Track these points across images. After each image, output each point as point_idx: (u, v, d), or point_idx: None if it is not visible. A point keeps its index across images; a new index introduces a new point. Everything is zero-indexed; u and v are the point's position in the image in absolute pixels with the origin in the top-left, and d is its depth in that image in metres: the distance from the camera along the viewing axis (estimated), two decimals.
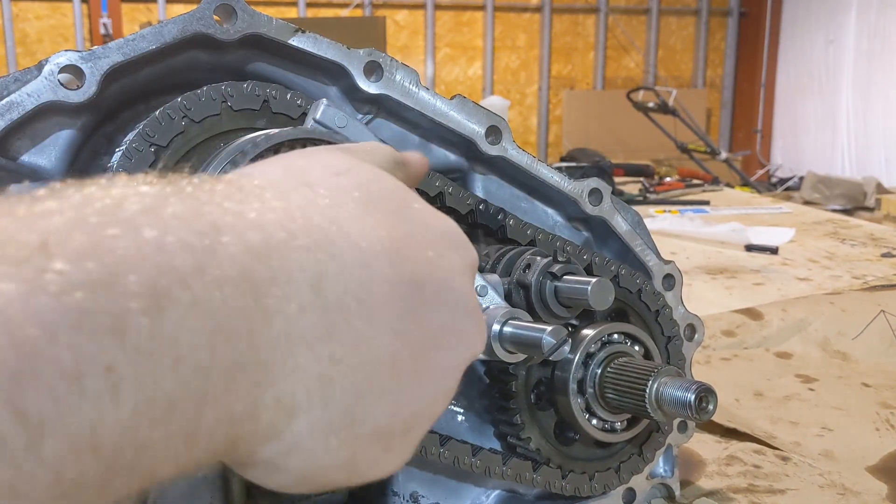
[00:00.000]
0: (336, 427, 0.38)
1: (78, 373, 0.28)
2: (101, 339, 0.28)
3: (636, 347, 0.89)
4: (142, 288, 0.30)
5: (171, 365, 0.30)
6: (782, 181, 7.12)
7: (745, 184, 5.99)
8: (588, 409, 0.87)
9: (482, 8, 8.58)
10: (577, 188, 0.91)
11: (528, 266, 0.80)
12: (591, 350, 0.86)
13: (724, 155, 5.95)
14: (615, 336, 0.88)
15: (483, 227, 0.86)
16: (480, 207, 0.85)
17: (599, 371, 0.86)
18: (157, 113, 0.71)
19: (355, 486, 0.43)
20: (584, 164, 4.74)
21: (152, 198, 0.33)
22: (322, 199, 0.40)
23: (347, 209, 0.41)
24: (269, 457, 0.37)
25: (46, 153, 0.72)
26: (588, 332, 0.86)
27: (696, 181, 4.73)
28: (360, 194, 0.43)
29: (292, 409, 0.36)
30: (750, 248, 2.67)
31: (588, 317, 0.87)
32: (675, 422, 0.99)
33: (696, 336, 0.99)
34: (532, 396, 0.88)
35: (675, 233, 2.88)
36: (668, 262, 0.97)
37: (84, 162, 0.76)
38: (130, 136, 0.71)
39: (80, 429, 0.28)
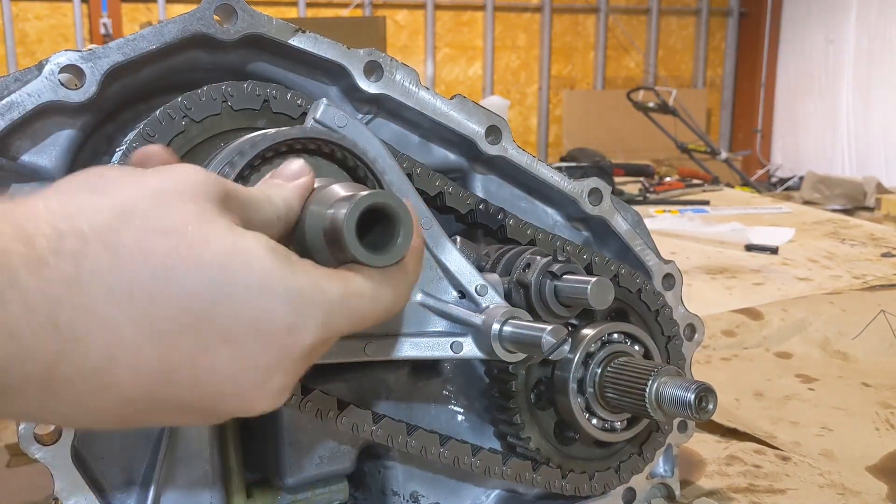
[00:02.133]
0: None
1: None
2: None
3: (636, 347, 0.89)
4: None
5: None
6: (782, 181, 7.11)
7: (745, 184, 5.99)
8: (588, 409, 0.87)
9: (482, 8, 8.57)
10: (577, 188, 0.91)
11: (528, 265, 0.81)
12: (591, 349, 0.86)
13: (724, 155, 5.94)
14: (615, 335, 0.88)
15: (483, 226, 0.86)
16: (480, 207, 0.85)
17: (599, 370, 0.86)
18: (157, 112, 0.71)
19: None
20: (584, 164, 4.74)
21: None
22: (97, 290, 0.41)
23: (123, 319, 0.42)
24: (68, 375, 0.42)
25: (47, 153, 0.72)
26: (588, 332, 0.86)
27: (696, 181, 4.73)
28: (154, 289, 0.42)
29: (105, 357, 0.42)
30: (750, 248, 2.67)
31: (588, 316, 0.87)
32: (675, 421, 0.99)
33: (696, 336, 0.99)
34: (532, 396, 0.88)
35: (675, 233, 2.88)
36: (667, 262, 0.97)
37: (84, 162, 0.76)
38: (131, 135, 0.71)
39: None
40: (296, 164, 0.56)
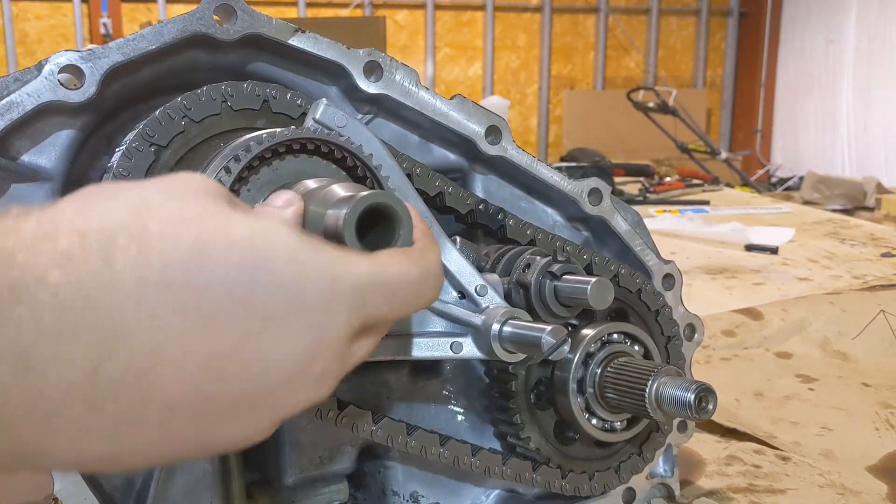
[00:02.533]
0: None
1: None
2: None
3: (636, 347, 0.89)
4: None
5: None
6: (782, 181, 7.12)
7: (745, 184, 5.99)
8: (588, 409, 0.87)
9: (482, 8, 8.57)
10: (577, 188, 0.91)
11: (528, 266, 0.81)
12: (591, 350, 0.86)
13: (724, 155, 5.94)
14: (615, 336, 0.88)
15: (483, 226, 0.86)
16: (480, 207, 0.85)
17: (599, 371, 0.86)
18: (157, 113, 0.71)
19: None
20: (584, 164, 4.74)
21: None
22: (133, 272, 0.40)
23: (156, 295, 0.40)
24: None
25: (46, 153, 0.72)
26: (588, 332, 0.86)
27: (696, 181, 4.73)
28: (183, 274, 0.41)
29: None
30: (750, 247, 2.67)
31: (588, 316, 0.87)
32: (675, 421, 0.99)
33: (696, 336, 0.99)
34: (532, 396, 0.88)
35: (675, 233, 2.88)
36: (667, 262, 0.97)
37: (84, 162, 0.76)
38: (130, 135, 0.71)
39: None
40: (285, 196, 0.56)
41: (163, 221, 0.41)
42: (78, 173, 0.75)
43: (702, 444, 1.20)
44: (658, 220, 3.17)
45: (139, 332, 0.39)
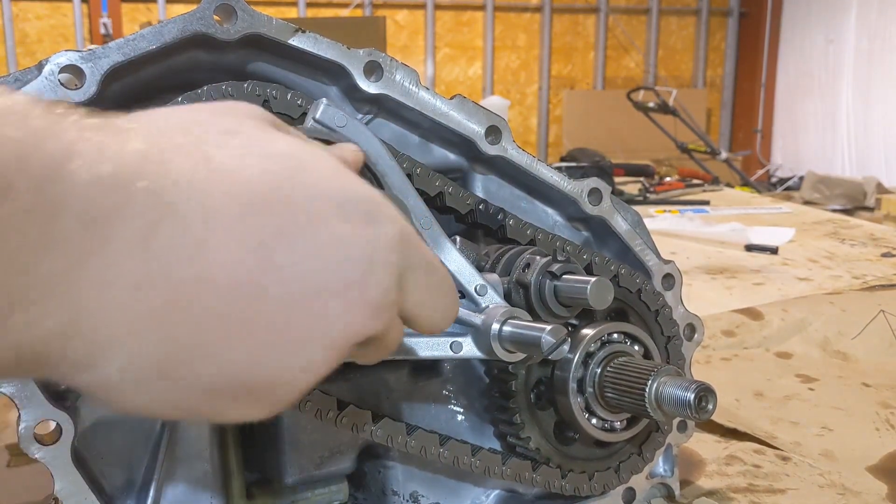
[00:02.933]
0: (149, 377, 0.39)
1: None
2: None
3: (636, 347, 0.89)
4: None
5: None
6: (782, 181, 7.12)
7: (745, 184, 5.99)
8: (588, 409, 0.87)
9: (482, 8, 8.57)
10: (577, 188, 0.91)
11: (528, 265, 0.81)
12: (591, 349, 0.86)
13: (724, 155, 5.95)
14: (615, 335, 0.88)
15: (483, 226, 0.86)
16: (480, 207, 0.85)
17: (599, 370, 0.86)
18: None
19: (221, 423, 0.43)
20: (584, 164, 4.74)
21: (24, 105, 0.36)
22: (190, 148, 0.40)
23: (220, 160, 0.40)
24: (86, 385, 0.38)
25: None
26: (588, 332, 0.86)
27: (696, 181, 4.73)
28: (242, 152, 0.41)
29: (102, 348, 0.37)
30: (750, 248, 2.67)
31: (588, 316, 0.87)
32: (675, 421, 0.99)
33: (696, 336, 0.99)
34: (532, 396, 0.88)
35: (675, 233, 2.88)
36: (667, 262, 0.97)
37: None
38: None
39: None
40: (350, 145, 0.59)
41: (207, 130, 0.42)
42: None
43: (702, 444, 1.20)
44: (658, 220, 3.17)
45: (190, 206, 0.38)
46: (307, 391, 0.43)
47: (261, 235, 0.39)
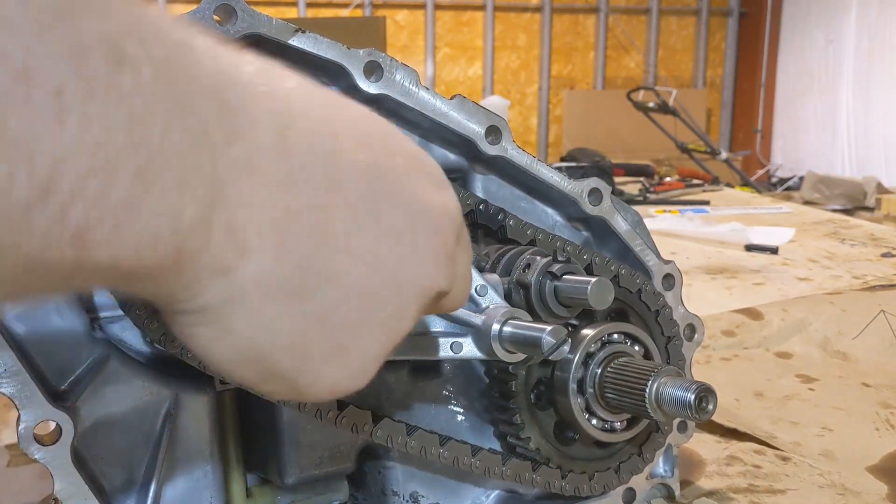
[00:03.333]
0: (284, 289, 0.37)
1: (26, 75, 0.27)
2: (55, 58, 0.28)
3: (636, 347, 0.89)
4: (103, 35, 0.29)
5: (124, 121, 0.29)
6: (782, 181, 7.12)
7: (745, 184, 5.99)
8: (588, 409, 0.87)
9: (482, 8, 8.57)
10: (577, 188, 0.91)
11: (528, 266, 0.80)
12: (591, 350, 0.86)
13: (724, 155, 5.94)
14: (615, 336, 0.88)
15: (483, 226, 0.86)
16: (480, 207, 0.85)
17: (599, 371, 0.86)
18: None
19: (300, 401, 0.43)
20: (584, 164, 4.74)
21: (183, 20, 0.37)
22: (307, 98, 0.41)
23: (329, 111, 0.42)
24: (215, 300, 0.36)
25: None
26: (588, 332, 0.86)
27: (696, 181, 4.73)
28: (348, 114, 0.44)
29: (243, 247, 0.35)
30: (750, 248, 2.67)
31: (588, 317, 0.87)
32: (675, 422, 0.99)
33: (696, 336, 0.99)
34: (532, 396, 0.88)
35: (675, 233, 2.88)
36: (667, 262, 0.97)
37: None
38: None
39: (19, 127, 0.27)
40: None
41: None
42: None
43: (702, 444, 1.20)
44: (658, 220, 3.17)
45: (321, 129, 0.40)
46: (405, 334, 0.45)
47: (377, 162, 0.42)
